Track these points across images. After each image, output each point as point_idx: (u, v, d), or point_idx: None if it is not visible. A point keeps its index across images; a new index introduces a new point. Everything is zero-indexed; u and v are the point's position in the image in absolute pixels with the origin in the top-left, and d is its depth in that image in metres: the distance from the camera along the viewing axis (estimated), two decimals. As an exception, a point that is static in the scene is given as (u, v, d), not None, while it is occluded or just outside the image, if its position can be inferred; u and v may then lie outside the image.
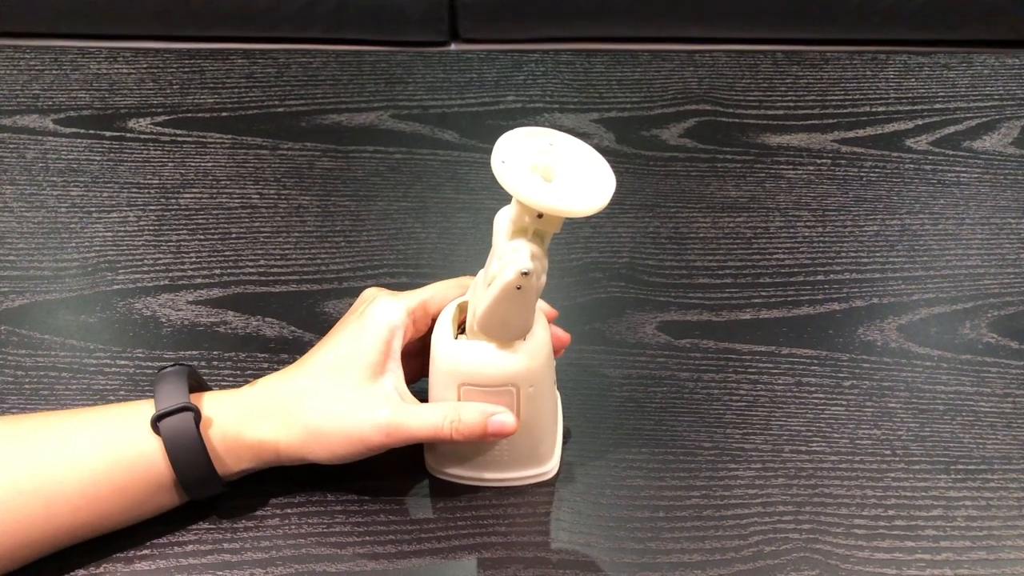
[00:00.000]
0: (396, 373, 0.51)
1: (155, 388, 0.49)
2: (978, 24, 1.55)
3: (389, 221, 0.70)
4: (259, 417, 0.50)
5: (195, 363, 0.61)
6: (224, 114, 0.79)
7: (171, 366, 0.51)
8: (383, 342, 0.50)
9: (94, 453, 0.48)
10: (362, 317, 0.51)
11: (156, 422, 0.48)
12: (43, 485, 0.47)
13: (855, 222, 0.71)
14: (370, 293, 0.54)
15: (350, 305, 0.55)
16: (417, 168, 0.74)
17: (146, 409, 0.49)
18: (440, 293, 0.53)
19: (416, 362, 0.54)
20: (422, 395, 0.53)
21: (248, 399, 0.51)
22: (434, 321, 0.53)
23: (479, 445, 0.52)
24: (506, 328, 0.49)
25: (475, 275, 0.51)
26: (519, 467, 0.54)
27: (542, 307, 0.53)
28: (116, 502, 0.49)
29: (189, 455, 0.48)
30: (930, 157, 0.76)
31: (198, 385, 0.53)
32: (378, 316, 0.51)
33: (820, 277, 0.67)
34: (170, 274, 0.66)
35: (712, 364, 0.61)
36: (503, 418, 0.50)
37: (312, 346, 0.53)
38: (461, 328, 0.52)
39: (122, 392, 0.59)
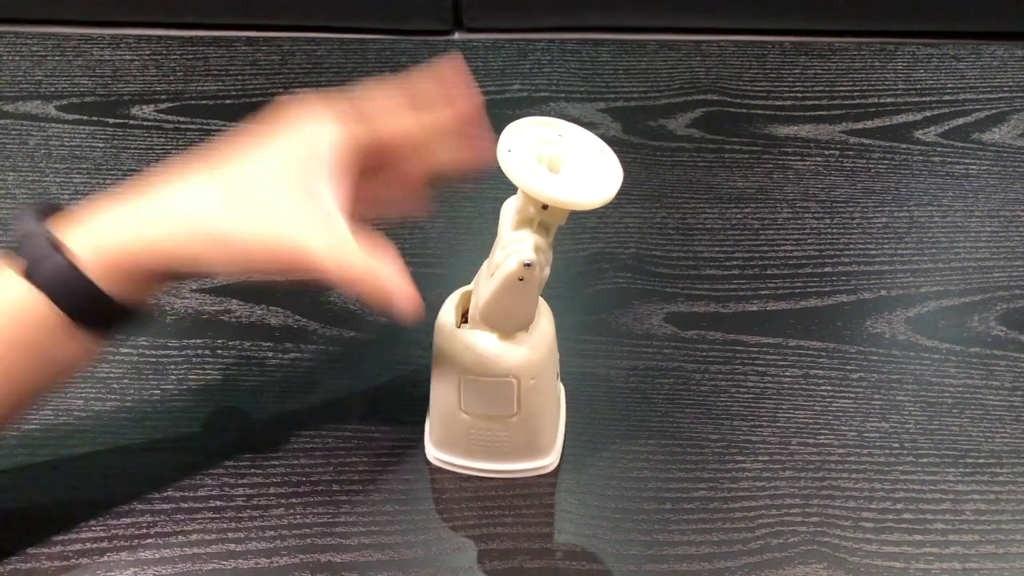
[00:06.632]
0: (331, 194, 0.46)
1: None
2: (988, 15, 1.54)
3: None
4: (148, 224, 0.45)
5: (199, 352, 0.60)
6: (228, 101, 0.78)
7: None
8: (320, 157, 0.46)
9: None
10: (296, 132, 0.47)
11: (10, 255, 0.43)
12: None
13: (863, 214, 0.70)
14: (295, 106, 0.48)
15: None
16: (422, 157, 0.74)
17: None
18: (370, 97, 0.48)
19: (365, 183, 0.50)
20: (421, 377, 0.52)
21: (133, 208, 0.45)
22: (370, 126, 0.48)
23: (476, 436, 0.52)
24: (508, 319, 0.49)
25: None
26: (517, 459, 0.53)
27: None
28: (13, 360, 0.44)
29: (54, 273, 0.43)
30: (939, 149, 0.75)
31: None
32: (314, 130, 0.46)
33: (828, 269, 0.66)
34: (173, 262, 0.66)
35: (719, 356, 0.61)
36: (403, 305, 0.45)
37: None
38: (464, 318, 0.51)
39: (125, 380, 0.58)
